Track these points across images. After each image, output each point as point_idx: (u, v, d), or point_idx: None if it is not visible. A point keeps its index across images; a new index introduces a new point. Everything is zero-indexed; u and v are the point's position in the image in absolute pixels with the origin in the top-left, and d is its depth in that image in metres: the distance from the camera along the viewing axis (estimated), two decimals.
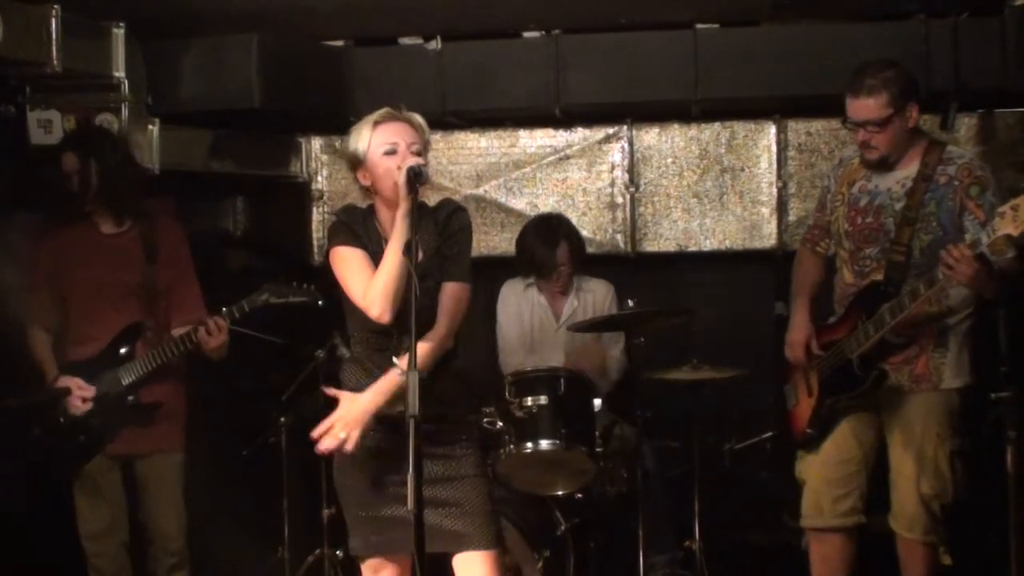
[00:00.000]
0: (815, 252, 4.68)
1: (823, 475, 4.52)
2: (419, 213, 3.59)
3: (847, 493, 4.49)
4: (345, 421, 3.62)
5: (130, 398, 4.63)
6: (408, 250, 3.40)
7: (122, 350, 4.64)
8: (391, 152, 3.60)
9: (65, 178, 4.64)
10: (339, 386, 3.75)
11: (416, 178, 3.49)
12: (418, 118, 3.70)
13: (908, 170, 4.35)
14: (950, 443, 4.34)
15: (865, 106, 4.27)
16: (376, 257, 3.60)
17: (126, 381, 4.62)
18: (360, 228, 3.68)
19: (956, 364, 4.35)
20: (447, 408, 3.67)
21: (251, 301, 4.65)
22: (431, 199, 3.82)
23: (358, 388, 3.68)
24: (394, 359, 3.58)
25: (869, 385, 4.34)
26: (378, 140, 3.62)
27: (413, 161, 3.54)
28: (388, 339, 3.63)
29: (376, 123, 3.65)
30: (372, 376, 3.66)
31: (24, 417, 4.66)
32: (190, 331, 4.61)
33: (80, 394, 4.58)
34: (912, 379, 4.35)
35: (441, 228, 3.68)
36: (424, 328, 3.56)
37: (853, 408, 4.45)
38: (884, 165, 4.37)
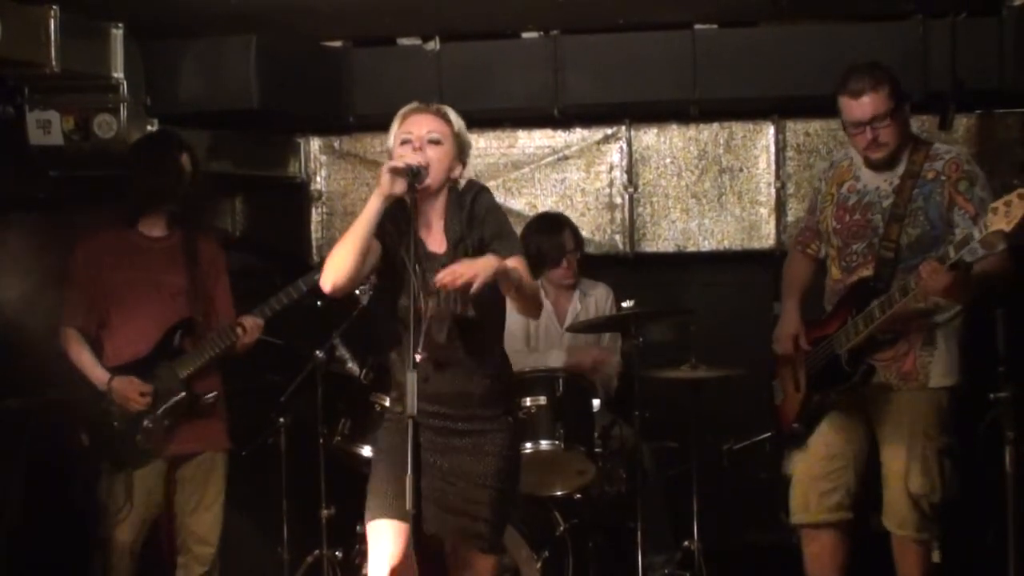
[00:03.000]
0: (805, 254, 4.69)
1: (810, 471, 4.52)
2: (447, 198, 3.66)
3: (834, 488, 4.49)
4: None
5: (184, 392, 4.64)
6: (407, 250, 3.44)
7: (174, 344, 4.66)
8: (406, 141, 3.63)
9: (181, 174, 4.67)
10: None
11: (414, 177, 3.50)
12: (447, 110, 3.70)
13: (896, 169, 4.36)
14: (939, 441, 4.34)
15: (872, 101, 4.25)
16: (401, 246, 3.58)
17: (182, 375, 4.64)
18: (389, 221, 3.63)
19: (945, 363, 4.34)
20: (477, 409, 3.68)
21: (307, 280, 4.67)
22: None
23: (401, 378, 3.66)
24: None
25: (857, 380, 4.35)
26: (400, 131, 3.66)
27: (413, 158, 3.55)
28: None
29: (404, 115, 3.69)
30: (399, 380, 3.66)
31: (45, 420, 4.67)
32: (226, 329, 4.67)
33: (138, 390, 4.58)
34: (900, 377, 4.35)
35: (467, 214, 3.67)
36: (468, 322, 3.59)
37: (841, 403, 4.46)
38: (893, 162, 4.35)
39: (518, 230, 5.73)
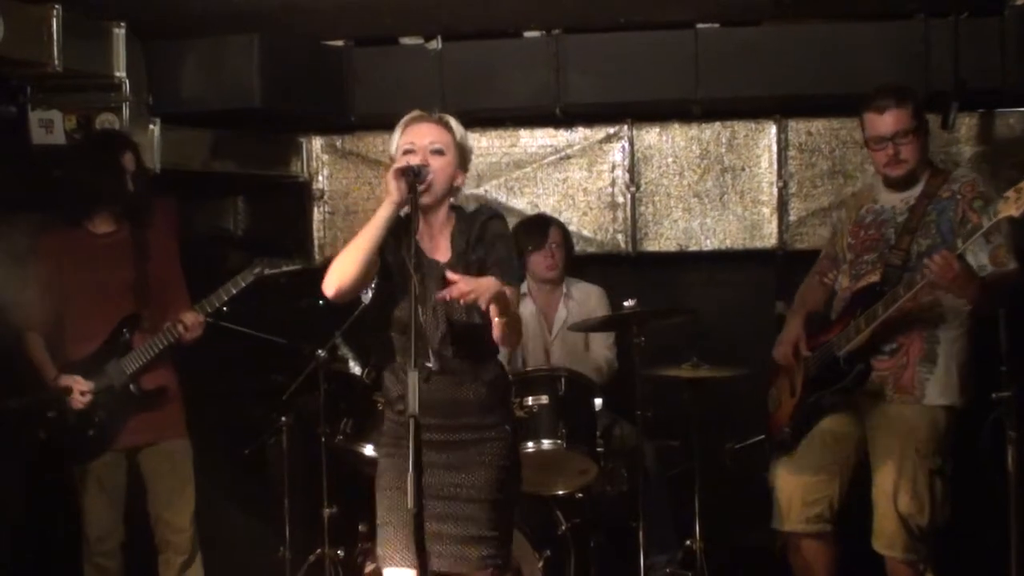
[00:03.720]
0: (823, 284, 4.74)
1: (796, 481, 4.54)
2: (455, 217, 3.65)
3: (816, 500, 4.51)
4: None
5: (132, 387, 4.71)
6: (408, 251, 3.43)
7: (121, 341, 4.72)
8: (409, 152, 3.60)
9: (121, 175, 4.70)
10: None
11: (415, 176, 3.49)
12: (449, 119, 3.69)
13: (913, 190, 4.41)
14: (931, 461, 4.31)
15: (895, 117, 4.32)
16: (401, 252, 3.58)
17: (129, 370, 4.70)
18: (389, 232, 3.61)
19: (943, 382, 4.33)
20: (473, 418, 3.64)
21: (245, 276, 4.78)
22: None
23: (396, 392, 3.66)
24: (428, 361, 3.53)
25: (851, 380, 4.36)
26: (402, 141, 3.64)
27: (415, 160, 3.55)
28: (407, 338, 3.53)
29: (405, 124, 3.67)
30: (401, 380, 3.62)
31: (27, 421, 4.69)
32: (169, 327, 4.72)
33: (79, 388, 4.64)
34: (896, 389, 4.35)
35: (477, 234, 3.64)
36: (464, 330, 3.57)
37: (834, 408, 4.46)
38: (911, 180, 4.39)
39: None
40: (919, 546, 4.34)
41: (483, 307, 3.44)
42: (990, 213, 4.01)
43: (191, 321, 4.73)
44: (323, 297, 3.59)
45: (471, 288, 3.40)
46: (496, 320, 3.50)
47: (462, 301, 3.43)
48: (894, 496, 4.31)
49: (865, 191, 4.63)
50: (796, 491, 4.52)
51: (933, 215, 4.32)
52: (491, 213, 3.73)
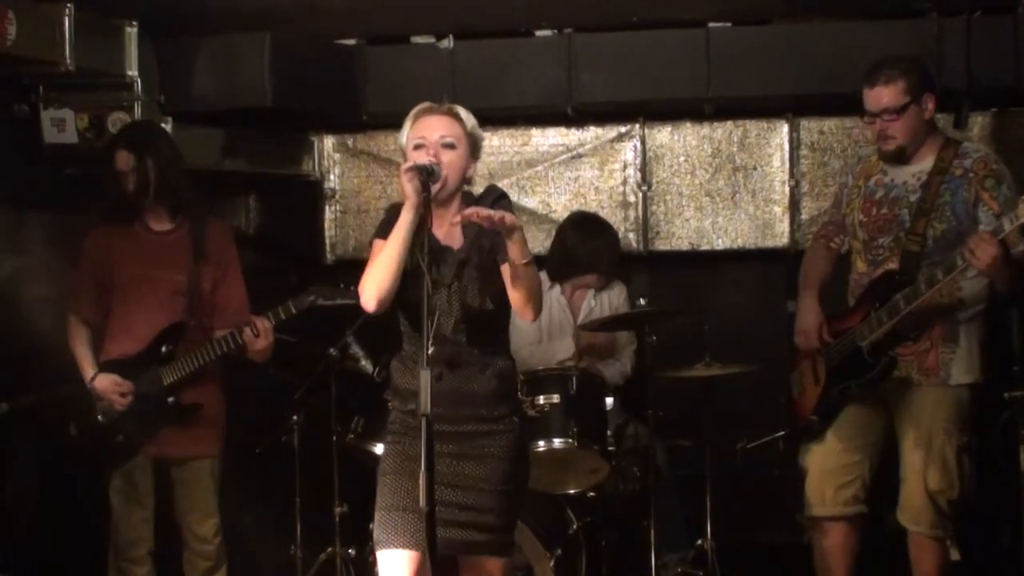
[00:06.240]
0: (828, 248, 4.70)
1: (826, 464, 4.53)
2: (464, 202, 3.60)
3: (849, 482, 4.50)
4: None
5: (170, 399, 4.59)
6: (422, 249, 3.40)
7: (164, 349, 4.59)
8: (419, 147, 3.58)
9: (120, 176, 4.61)
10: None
11: (428, 175, 3.48)
12: (459, 110, 3.66)
13: (924, 164, 4.38)
14: (958, 439, 4.34)
15: (883, 94, 4.31)
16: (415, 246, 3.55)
17: (167, 381, 4.58)
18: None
19: (966, 360, 4.34)
20: (482, 409, 3.63)
21: (298, 302, 4.60)
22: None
23: (404, 384, 3.66)
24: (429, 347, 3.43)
25: (878, 372, 4.35)
26: (412, 135, 3.62)
27: (425, 158, 3.54)
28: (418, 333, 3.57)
29: (415, 117, 3.65)
30: (410, 370, 3.62)
31: (55, 415, 4.66)
32: (234, 332, 4.57)
33: (118, 390, 4.55)
34: (921, 372, 4.36)
35: None
36: (478, 317, 3.57)
37: (860, 397, 4.46)
38: (901, 157, 4.38)
39: (531, 230, 5.78)
40: (946, 522, 4.35)
41: (504, 229, 3.39)
42: (1006, 201, 4.00)
43: (263, 326, 4.53)
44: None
45: (491, 213, 3.37)
46: (516, 270, 3.46)
47: (484, 222, 3.37)
48: (923, 473, 4.33)
49: (872, 158, 4.57)
50: (828, 475, 4.52)
51: (947, 195, 4.30)
52: (497, 194, 3.69)
